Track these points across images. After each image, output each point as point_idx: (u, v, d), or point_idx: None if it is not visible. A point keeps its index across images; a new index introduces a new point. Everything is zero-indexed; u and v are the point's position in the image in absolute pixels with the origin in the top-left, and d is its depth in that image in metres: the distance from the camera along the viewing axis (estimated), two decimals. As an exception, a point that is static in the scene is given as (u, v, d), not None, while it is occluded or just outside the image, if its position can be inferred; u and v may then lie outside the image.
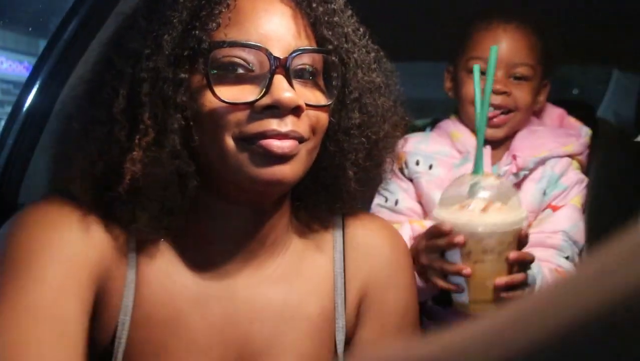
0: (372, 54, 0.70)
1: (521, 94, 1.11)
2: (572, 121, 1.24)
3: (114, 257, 0.64)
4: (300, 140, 0.61)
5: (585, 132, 1.20)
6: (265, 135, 0.59)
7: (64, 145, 0.68)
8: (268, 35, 0.60)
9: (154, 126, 0.59)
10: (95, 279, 0.61)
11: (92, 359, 0.61)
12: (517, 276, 0.79)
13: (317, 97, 0.63)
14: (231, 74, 0.60)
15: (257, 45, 0.59)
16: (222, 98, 0.58)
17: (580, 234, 1.08)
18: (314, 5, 0.64)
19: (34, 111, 1.24)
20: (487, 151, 1.14)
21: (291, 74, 0.60)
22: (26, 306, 0.55)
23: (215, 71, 0.60)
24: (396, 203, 1.14)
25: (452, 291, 0.82)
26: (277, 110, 0.59)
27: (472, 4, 1.26)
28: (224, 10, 0.60)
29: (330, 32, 0.64)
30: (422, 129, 1.31)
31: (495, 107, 1.09)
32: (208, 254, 0.67)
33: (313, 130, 0.63)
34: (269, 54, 0.59)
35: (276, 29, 0.61)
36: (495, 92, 1.07)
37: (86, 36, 1.20)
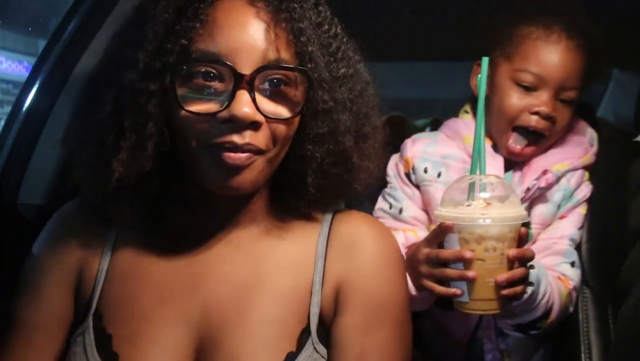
0: (343, 70, 0.73)
1: (562, 119, 1.03)
2: (578, 120, 1.17)
3: (96, 238, 0.76)
4: (258, 152, 0.66)
5: (593, 137, 1.14)
6: (224, 146, 0.65)
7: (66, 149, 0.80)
8: (238, 49, 0.64)
9: (135, 132, 0.67)
10: (78, 258, 0.75)
11: (76, 312, 0.75)
12: (518, 272, 0.79)
13: (280, 110, 0.68)
14: (199, 86, 0.65)
15: (221, 62, 0.64)
16: (187, 109, 0.65)
17: None
18: (290, 22, 0.68)
19: (34, 111, 1.24)
20: (499, 157, 1.09)
21: (255, 89, 0.65)
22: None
23: (184, 83, 0.65)
24: (400, 211, 1.10)
25: (454, 297, 0.82)
26: (236, 124, 0.64)
27: (475, 4, 1.25)
28: (197, 25, 0.64)
29: (302, 50, 0.68)
30: (422, 129, 1.30)
31: (537, 130, 1.02)
32: (185, 228, 0.75)
33: (274, 140, 0.68)
34: (233, 71, 0.64)
35: (247, 43, 0.65)
36: (543, 116, 1.00)
37: (86, 36, 1.20)
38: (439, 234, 0.82)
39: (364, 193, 0.81)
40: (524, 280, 0.82)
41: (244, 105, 0.64)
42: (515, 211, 0.79)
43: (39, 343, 0.73)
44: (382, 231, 0.80)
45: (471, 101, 1.15)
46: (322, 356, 0.71)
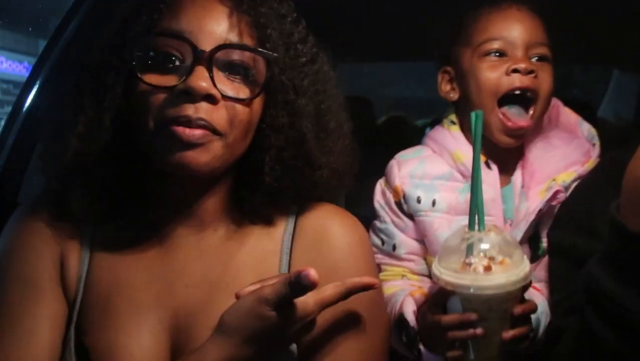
0: (305, 60, 0.74)
1: (545, 77, 0.98)
2: (568, 111, 1.11)
3: (72, 239, 0.74)
4: (213, 131, 0.66)
5: (592, 133, 1.06)
6: (179, 120, 0.65)
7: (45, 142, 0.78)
8: (200, 28, 0.67)
9: (93, 106, 0.68)
10: (58, 260, 0.74)
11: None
12: (522, 329, 0.77)
13: (239, 91, 0.68)
14: (159, 61, 0.67)
15: (181, 37, 0.66)
16: (146, 80, 0.66)
17: None
18: (252, 7, 0.70)
19: (34, 111, 1.24)
20: (495, 171, 1.02)
21: (214, 66, 0.66)
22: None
23: (144, 58, 0.67)
24: (394, 247, 1.03)
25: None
26: (190, 96, 0.65)
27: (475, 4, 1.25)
28: (161, 5, 0.68)
29: (262, 34, 0.70)
30: (422, 129, 1.28)
31: (522, 89, 0.96)
32: (152, 225, 0.75)
33: (231, 123, 0.67)
34: (193, 46, 0.65)
35: (209, 24, 0.67)
36: (522, 72, 0.95)
37: (86, 36, 1.20)
38: (440, 297, 0.79)
39: (329, 193, 0.80)
40: (528, 334, 0.79)
41: (200, 78, 0.65)
42: (519, 271, 0.75)
43: (46, 335, 0.70)
44: (351, 224, 0.78)
45: (455, 109, 1.09)
46: (291, 352, 0.71)
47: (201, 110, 0.65)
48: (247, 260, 0.74)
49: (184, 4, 0.68)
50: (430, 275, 1.03)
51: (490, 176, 1.01)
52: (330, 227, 0.76)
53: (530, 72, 0.96)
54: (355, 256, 0.76)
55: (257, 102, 0.71)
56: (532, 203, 0.99)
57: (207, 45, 0.66)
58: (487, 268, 0.74)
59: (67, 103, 0.71)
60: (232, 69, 0.68)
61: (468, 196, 0.91)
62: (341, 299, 0.68)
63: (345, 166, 0.78)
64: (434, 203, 1.00)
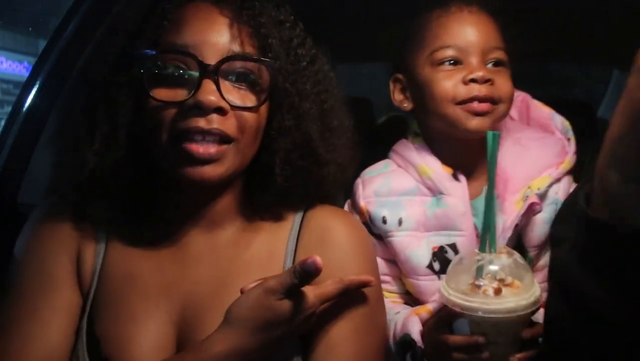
0: (306, 64, 0.77)
1: (503, 82, 0.93)
2: (538, 105, 1.04)
3: (88, 235, 0.77)
4: (226, 139, 0.69)
5: (565, 126, 1.00)
6: (192, 133, 0.67)
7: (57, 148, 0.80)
8: (203, 42, 0.69)
9: (107, 122, 0.71)
10: (74, 255, 0.77)
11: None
12: (531, 353, 0.75)
13: (245, 100, 0.71)
14: (167, 77, 0.69)
15: (187, 53, 0.68)
16: (156, 97, 0.68)
17: None
18: (252, 17, 0.73)
19: (34, 111, 1.24)
20: (463, 183, 0.96)
21: (220, 77, 0.69)
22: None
23: (152, 74, 0.69)
24: None
25: None
26: (201, 109, 0.67)
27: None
28: (165, 22, 0.70)
29: (264, 42, 0.73)
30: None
31: (481, 99, 0.91)
32: (165, 224, 0.77)
33: (241, 130, 0.70)
34: (198, 61, 0.68)
35: (212, 37, 0.69)
36: (479, 81, 0.91)
37: (86, 36, 1.20)
38: (448, 318, 0.78)
39: (336, 188, 0.83)
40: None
41: (208, 92, 0.67)
42: (530, 295, 0.73)
43: (63, 323, 0.73)
44: (352, 224, 0.81)
45: (417, 118, 1.03)
46: (295, 349, 0.72)
47: (213, 121, 0.68)
48: (253, 259, 0.76)
49: (186, 18, 0.70)
50: (406, 293, 1.01)
51: (458, 189, 0.96)
52: (333, 227, 0.78)
53: (487, 80, 0.91)
54: (357, 255, 0.78)
55: (264, 108, 0.73)
56: (509, 216, 0.93)
57: (212, 58, 0.68)
58: (497, 291, 0.72)
59: (81, 119, 0.73)
60: (238, 78, 0.71)
61: (437, 210, 0.94)
62: (340, 296, 0.72)
63: (349, 159, 0.81)
64: (400, 222, 0.95)
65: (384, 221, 0.95)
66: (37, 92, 1.25)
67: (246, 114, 0.70)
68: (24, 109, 1.25)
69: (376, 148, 1.15)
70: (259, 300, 0.66)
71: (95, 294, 0.74)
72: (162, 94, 0.69)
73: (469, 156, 0.98)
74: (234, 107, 0.69)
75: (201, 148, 0.67)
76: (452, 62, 0.94)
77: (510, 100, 0.95)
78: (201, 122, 0.67)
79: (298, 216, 0.80)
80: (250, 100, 0.71)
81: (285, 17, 0.77)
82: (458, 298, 0.74)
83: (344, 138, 0.80)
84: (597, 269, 0.46)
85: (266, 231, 0.79)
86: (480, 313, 0.72)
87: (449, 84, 0.92)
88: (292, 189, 0.76)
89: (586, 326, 0.48)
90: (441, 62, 0.94)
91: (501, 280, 0.73)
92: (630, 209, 0.41)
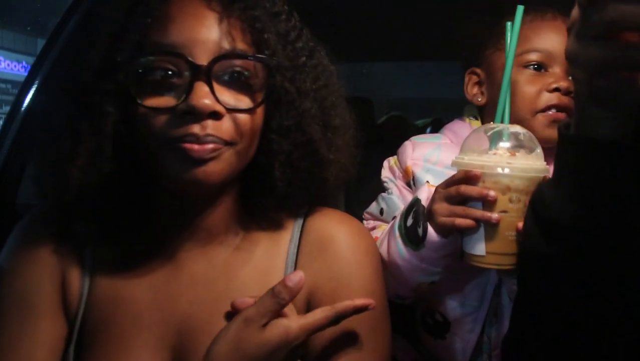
0: (304, 59, 0.72)
1: None
2: None
3: (73, 256, 0.72)
4: (223, 143, 0.64)
5: None
6: (185, 140, 0.62)
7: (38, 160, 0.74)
8: (192, 41, 0.63)
9: (91, 134, 0.65)
10: (58, 279, 0.72)
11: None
12: None
13: (241, 101, 0.66)
14: (155, 81, 0.63)
15: (175, 53, 0.62)
16: (145, 105, 0.63)
17: None
18: (244, 11, 0.66)
19: (32, 111, 1.23)
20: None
21: (213, 79, 0.63)
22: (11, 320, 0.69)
23: (139, 79, 0.63)
24: (393, 219, 0.97)
25: (468, 233, 0.76)
26: (196, 116, 0.62)
27: (476, 5, 1.24)
28: (149, 20, 0.63)
29: (259, 38, 0.67)
30: (422, 129, 1.27)
31: (560, 109, 0.92)
32: (158, 241, 0.72)
33: (238, 133, 0.65)
34: (188, 62, 0.62)
35: (201, 34, 0.63)
36: (562, 91, 0.91)
37: (84, 36, 1.19)
38: (461, 182, 0.76)
39: (337, 189, 0.77)
40: None
41: (202, 96, 0.62)
42: (540, 163, 0.75)
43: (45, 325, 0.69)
44: (356, 231, 0.75)
45: (478, 111, 1.04)
46: None
47: (208, 127, 0.62)
48: (252, 274, 0.72)
49: (172, 14, 0.64)
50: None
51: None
52: (335, 235, 0.73)
53: (570, 92, 0.91)
54: (362, 265, 0.72)
55: (260, 108, 0.68)
56: None
57: (203, 58, 0.63)
58: (512, 155, 0.74)
59: (62, 131, 0.67)
60: (231, 78, 0.65)
61: None
62: (332, 325, 0.65)
63: (351, 157, 0.76)
64: None
65: (428, 183, 0.96)
66: (35, 92, 1.24)
67: (242, 116, 0.65)
68: (22, 108, 1.24)
69: (376, 148, 1.15)
70: (238, 333, 0.62)
71: (83, 320, 0.70)
72: (151, 101, 0.63)
73: None
74: (230, 110, 0.64)
75: (196, 146, 0.62)
76: (536, 66, 0.94)
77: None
78: (195, 129, 0.62)
79: (298, 224, 0.75)
80: (245, 101, 0.66)
81: (280, 8, 0.71)
82: (473, 160, 0.75)
83: (346, 136, 0.75)
84: (565, 181, 0.52)
85: (265, 243, 0.74)
86: (496, 170, 0.73)
87: (532, 89, 0.92)
88: (292, 193, 0.71)
89: (546, 234, 0.52)
90: (527, 65, 0.94)
91: (514, 154, 0.75)
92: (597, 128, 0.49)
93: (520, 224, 0.73)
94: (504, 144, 0.75)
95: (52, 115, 0.69)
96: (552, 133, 0.87)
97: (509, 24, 0.77)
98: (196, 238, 0.72)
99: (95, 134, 0.64)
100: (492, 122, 0.78)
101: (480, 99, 1.01)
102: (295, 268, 0.72)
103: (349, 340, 0.70)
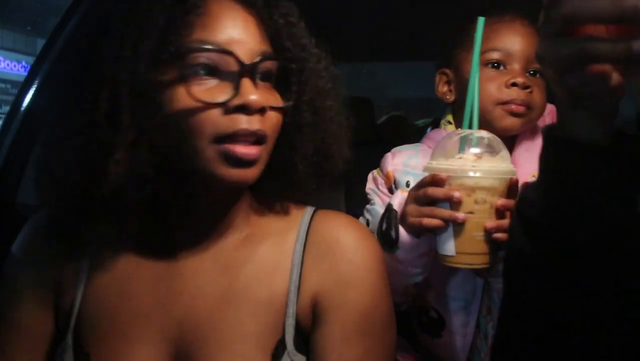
0: (323, 63, 0.77)
1: (538, 91, 1.02)
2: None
3: (73, 255, 0.74)
4: (263, 140, 0.67)
5: None
6: (237, 134, 0.65)
7: (45, 156, 0.72)
8: (235, 40, 0.67)
9: (135, 127, 0.65)
10: (53, 283, 0.74)
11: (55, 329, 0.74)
12: (506, 222, 0.79)
13: (277, 100, 0.70)
14: (202, 75, 0.66)
15: (227, 51, 0.66)
16: (192, 99, 0.64)
17: None
18: (275, 17, 0.72)
19: (32, 111, 1.23)
20: None
21: (256, 77, 0.67)
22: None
23: (188, 74, 0.65)
24: None
25: (438, 234, 0.81)
26: (246, 110, 0.65)
27: (476, 6, 1.25)
28: (194, 17, 0.66)
29: (289, 42, 0.72)
30: (422, 129, 1.28)
31: (519, 103, 0.99)
32: (163, 236, 0.73)
33: (273, 130, 0.69)
34: (237, 59, 0.66)
35: (241, 35, 0.67)
36: (519, 86, 0.99)
37: (85, 36, 1.19)
38: (429, 185, 0.82)
39: (335, 181, 0.80)
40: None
41: (252, 92, 0.65)
42: (506, 165, 0.81)
43: (23, 358, 0.72)
44: (363, 235, 0.77)
45: (451, 109, 1.11)
46: None
47: (255, 122, 0.65)
48: (256, 272, 0.73)
49: (215, 14, 0.67)
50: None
51: None
52: (342, 238, 0.74)
53: (527, 87, 0.99)
54: (368, 269, 0.73)
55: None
56: None
57: (247, 57, 0.66)
58: (478, 158, 0.80)
59: (100, 121, 0.65)
60: (264, 77, 0.69)
61: None
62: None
63: (348, 154, 0.79)
64: None
65: (407, 185, 1.02)
66: (35, 91, 1.24)
67: (276, 113, 0.69)
68: (22, 108, 1.24)
69: (376, 148, 1.15)
70: None
71: (81, 310, 0.72)
72: (201, 94, 0.64)
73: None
74: (272, 108, 0.68)
75: (245, 149, 0.65)
76: (496, 64, 1.01)
77: (542, 108, 1.04)
78: (246, 124, 0.65)
79: (304, 224, 0.76)
80: (277, 99, 0.70)
81: (297, 17, 0.76)
82: (441, 165, 0.80)
83: (347, 134, 0.79)
84: (547, 181, 0.53)
85: (270, 241, 0.75)
86: (459, 174, 0.78)
87: (492, 85, 1.00)
88: (304, 182, 0.75)
89: (530, 234, 0.54)
90: (487, 64, 1.01)
91: (480, 157, 0.80)
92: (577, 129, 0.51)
93: (488, 224, 0.79)
94: (470, 149, 0.81)
95: (64, 113, 0.68)
96: (511, 123, 1.01)
97: (479, 19, 0.83)
98: (202, 234, 0.73)
99: (138, 127, 0.64)
100: (460, 129, 0.83)
101: (449, 97, 1.09)
102: (302, 267, 0.73)
103: (356, 342, 0.70)
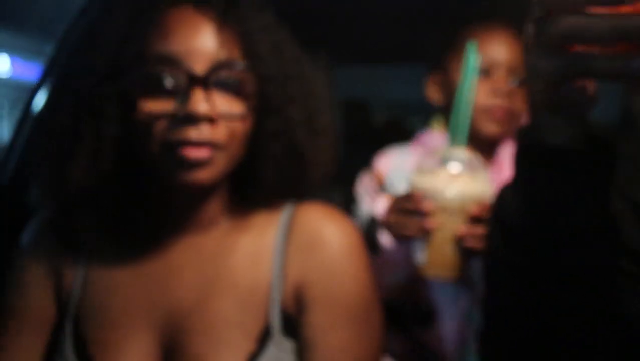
0: (292, 68, 0.77)
1: (519, 98, 1.07)
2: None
3: (70, 255, 0.78)
4: (217, 147, 0.69)
5: None
6: (184, 143, 0.67)
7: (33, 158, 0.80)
8: (191, 51, 0.68)
9: (92, 137, 0.70)
10: (54, 273, 0.78)
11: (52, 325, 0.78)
12: (477, 229, 0.83)
13: (234, 108, 0.71)
14: (155, 88, 0.68)
15: (174, 62, 0.68)
16: (145, 110, 0.68)
17: None
18: (237, 22, 0.72)
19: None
20: None
21: (210, 88, 0.68)
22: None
23: (139, 85, 0.68)
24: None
25: (412, 242, 0.87)
26: (193, 121, 0.67)
27: (475, 7, 1.26)
28: (150, 29, 0.69)
29: (251, 48, 0.72)
30: (418, 130, 1.30)
31: (501, 110, 1.05)
32: (150, 232, 0.78)
33: (231, 137, 0.70)
34: (187, 70, 0.67)
35: (199, 43, 0.69)
36: (504, 94, 1.04)
37: (88, 41, 1.22)
38: (407, 198, 0.88)
39: (317, 186, 0.82)
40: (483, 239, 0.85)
41: (199, 103, 0.67)
42: (481, 187, 0.84)
43: (25, 342, 0.77)
44: (344, 225, 0.78)
45: (441, 112, 1.15)
46: (288, 352, 0.72)
47: (203, 131, 0.67)
48: (241, 261, 0.76)
49: (171, 25, 0.69)
50: None
51: None
52: (324, 228, 0.76)
53: (509, 94, 1.04)
54: (350, 258, 0.75)
55: (250, 114, 0.73)
56: None
57: (200, 67, 0.67)
58: (454, 177, 0.84)
59: (63, 132, 0.71)
60: (224, 85, 0.70)
61: None
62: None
63: (332, 158, 0.81)
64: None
65: (393, 190, 1.06)
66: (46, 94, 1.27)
67: (236, 122, 0.70)
68: (34, 111, 1.28)
69: (374, 150, 1.18)
70: None
71: (79, 301, 0.76)
72: (150, 105, 0.68)
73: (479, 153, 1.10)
74: (224, 117, 0.69)
75: (196, 152, 0.67)
76: (479, 72, 1.03)
77: (519, 117, 1.08)
78: (193, 134, 0.67)
79: (286, 215, 0.79)
80: (238, 107, 0.71)
81: (269, 20, 0.76)
82: (418, 180, 0.86)
83: (329, 139, 0.80)
84: (520, 186, 0.55)
85: (253, 232, 0.78)
86: (430, 193, 0.84)
87: (476, 93, 1.02)
88: (279, 189, 0.77)
89: (506, 238, 0.55)
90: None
91: (458, 171, 0.85)
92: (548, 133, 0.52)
93: (460, 229, 0.83)
94: (449, 168, 0.86)
95: (54, 117, 0.74)
96: (493, 129, 1.07)
97: (468, 44, 0.87)
98: (186, 229, 0.77)
99: (96, 136, 0.69)
100: (445, 147, 0.88)
101: (438, 100, 1.13)
102: (284, 256, 0.76)
103: (342, 328, 0.73)
